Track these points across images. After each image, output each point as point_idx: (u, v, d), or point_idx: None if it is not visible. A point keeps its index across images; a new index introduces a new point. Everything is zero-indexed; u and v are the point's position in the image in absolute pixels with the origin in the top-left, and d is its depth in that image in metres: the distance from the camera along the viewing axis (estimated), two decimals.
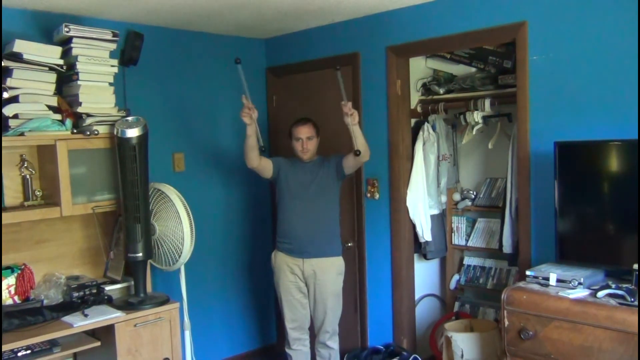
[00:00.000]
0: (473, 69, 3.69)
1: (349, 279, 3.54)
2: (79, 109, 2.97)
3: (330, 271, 3.30)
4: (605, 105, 2.63)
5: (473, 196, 3.93)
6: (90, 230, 3.23)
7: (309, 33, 3.93)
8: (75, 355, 3.17)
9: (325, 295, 3.30)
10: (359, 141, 3.03)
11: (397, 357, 3.51)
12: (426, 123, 3.74)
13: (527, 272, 2.62)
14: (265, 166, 3.30)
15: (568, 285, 2.45)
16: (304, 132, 3.30)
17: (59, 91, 2.98)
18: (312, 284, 3.31)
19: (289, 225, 3.31)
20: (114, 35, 3.03)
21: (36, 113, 2.82)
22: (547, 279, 2.52)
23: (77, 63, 2.93)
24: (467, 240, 3.95)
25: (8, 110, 2.76)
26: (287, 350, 3.46)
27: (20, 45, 2.78)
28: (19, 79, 2.79)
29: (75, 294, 2.96)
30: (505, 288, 2.57)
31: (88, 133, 2.93)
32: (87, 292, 2.99)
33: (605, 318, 2.21)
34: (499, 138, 3.67)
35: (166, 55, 3.72)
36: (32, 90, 2.83)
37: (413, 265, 3.73)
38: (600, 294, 2.33)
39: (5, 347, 2.55)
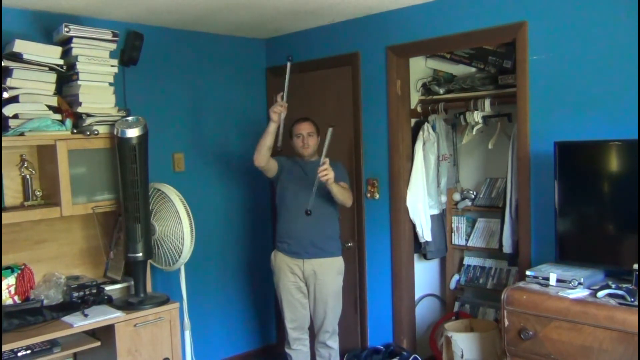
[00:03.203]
0: (473, 69, 3.69)
1: (349, 279, 3.54)
2: (79, 109, 2.97)
3: (330, 271, 3.30)
4: (605, 105, 2.63)
5: (473, 196, 3.93)
6: (90, 230, 3.23)
7: (309, 33, 3.93)
8: (75, 355, 3.17)
9: (325, 295, 3.31)
10: (337, 196, 3.13)
11: (397, 357, 3.51)
12: (426, 123, 3.74)
13: (527, 272, 2.62)
14: (271, 166, 3.31)
15: (568, 285, 2.45)
16: (305, 128, 3.31)
17: (59, 91, 2.98)
18: (312, 284, 3.31)
19: (289, 226, 3.31)
20: (114, 35, 3.03)
21: (36, 113, 2.83)
22: (547, 279, 2.52)
23: (77, 63, 2.94)
24: (467, 240, 3.95)
25: (8, 110, 2.76)
26: (287, 350, 3.46)
27: (20, 45, 2.79)
28: (19, 79, 2.79)
29: (75, 294, 2.96)
30: (505, 288, 2.57)
31: (88, 133, 2.94)
32: (87, 292, 2.99)
33: (605, 318, 2.21)
34: (499, 138, 3.67)
35: (166, 55, 3.72)
36: (32, 90, 2.83)
37: (413, 265, 3.73)
38: (600, 294, 2.33)
39: (5, 347, 2.55)
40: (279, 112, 3.08)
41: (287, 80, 3.08)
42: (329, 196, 3.29)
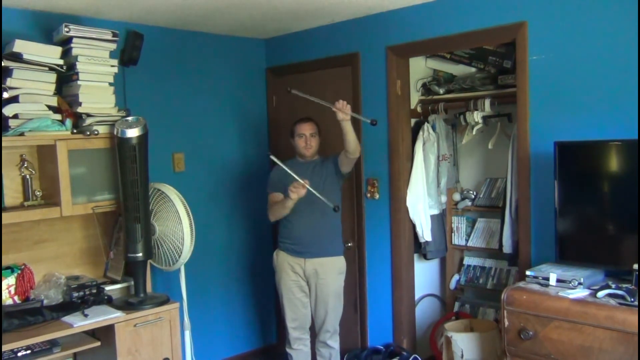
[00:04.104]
0: (473, 69, 3.69)
1: (349, 279, 3.54)
2: (79, 109, 2.97)
3: (331, 270, 3.31)
4: (605, 105, 2.63)
5: (473, 196, 3.93)
6: (90, 230, 3.23)
7: (309, 33, 3.93)
8: (75, 355, 3.17)
9: (326, 295, 3.31)
10: (350, 137, 3.05)
11: (397, 357, 3.51)
12: (426, 123, 3.74)
13: (527, 272, 2.62)
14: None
15: (568, 285, 2.45)
16: (307, 128, 3.31)
17: (59, 91, 2.98)
18: (313, 283, 3.32)
19: (292, 226, 3.31)
20: (114, 35, 3.03)
21: (36, 113, 2.83)
22: (547, 279, 2.52)
23: (77, 63, 2.93)
24: (467, 240, 3.95)
25: (8, 110, 2.76)
26: (287, 349, 3.46)
27: (20, 45, 2.78)
28: (19, 79, 2.79)
29: (75, 294, 2.96)
30: (505, 288, 2.57)
31: (88, 133, 2.93)
32: (87, 292, 2.99)
33: (605, 318, 2.21)
34: (499, 138, 3.67)
35: (166, 55, 3.72)
36: (32, 90, 2.83)
37: (413, 265, 3.73)
38: (600, 294, 2.33)
39: (5, 347, 2.55)
40: (299, 193, 3.04)
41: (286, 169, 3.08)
42: (332, 194, 3.29)
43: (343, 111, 2.96)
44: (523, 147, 2.93)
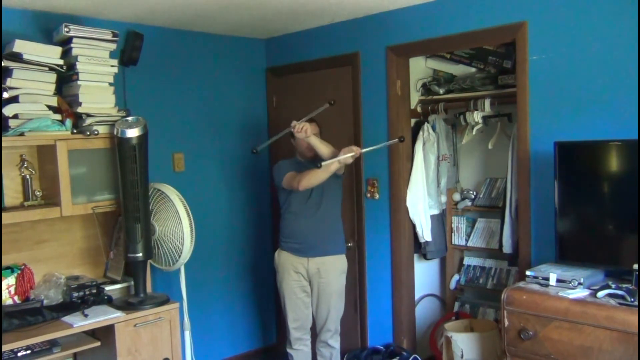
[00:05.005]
0: (473, 69, 3.69)
1: (349, 279, 3.54)
2: (79, 109, 2.97)
3: (334, 269, 3.31)
4: (605, 105, 2.63)
5: (473, 196, 3.93)
6: (90, 230, 3.23)
7: (309, 33, 3.93)
8: (75, 355, 3.17)
9: (329, 294, 3.31)
10: (321, 150, 3.10)
11: (397, 357, 3.51)
12: (426, 123, 3.74)
13: (527, 272, 2.62)
14: None
15: (568, 285, 2.45)
16: (311, 129, 3.30)
17: (59, 91, 2.98)
18: (316, 282, 3.32)
19: (296, 225, 3.30)
20: (114, 35, 3.03)
21: (36, 113, 2.83)
22: (547, 279, 2.52)
23: (77, 63, 2.94)
24: (467, 240, 3.95)
25: (8, 110, 2.76)
26: (288, 349, 3.46)
27: (20, 45, 2.79)
28: (19, 79, 2.79)
29: (75, 294, 2.96)
30: (505, 288, 2.57)
31: (88, 133, 2.94)
32: (87, 292, 2.99)
33: (605, 318, 2.21)
34: (499, 138, 3.67)
35: (166, 55, 3.72)
36: (32, 90, 2.83)
37: (413, 265, 3.72)
38: (600, 294, 2.33)
39: (5, 347, 2.55)
40: (356, 154, 3.03)
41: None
42: (332, 193, 3.29)
43: (299, 132, 3.06)
44: (523, 147, 2.93)
